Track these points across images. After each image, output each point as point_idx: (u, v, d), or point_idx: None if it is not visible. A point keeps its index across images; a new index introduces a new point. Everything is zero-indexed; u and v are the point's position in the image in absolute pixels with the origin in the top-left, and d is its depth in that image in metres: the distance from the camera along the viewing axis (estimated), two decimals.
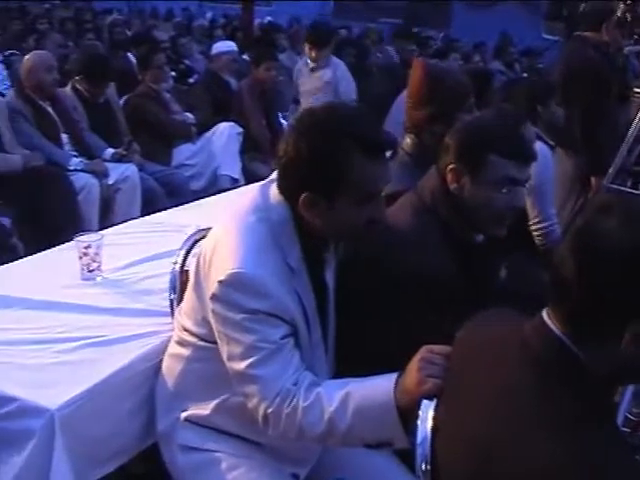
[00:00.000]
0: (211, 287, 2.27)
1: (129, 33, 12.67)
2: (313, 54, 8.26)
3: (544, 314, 1.79)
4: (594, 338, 1.69)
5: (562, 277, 1.70)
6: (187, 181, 7.32)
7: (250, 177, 7.30)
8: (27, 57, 6.76)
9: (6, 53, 9.93)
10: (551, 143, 4.45)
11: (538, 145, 3.72)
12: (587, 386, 1.71)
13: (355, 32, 15.59)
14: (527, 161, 2.70)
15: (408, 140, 3.51)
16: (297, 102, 8.67)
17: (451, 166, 2.68)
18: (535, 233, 4.23)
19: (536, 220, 4.19)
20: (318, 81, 8.25)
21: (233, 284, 2.22)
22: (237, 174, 7.57)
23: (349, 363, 2.54)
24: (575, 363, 1.71)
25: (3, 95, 7.04)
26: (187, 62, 10.66)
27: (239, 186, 6.61)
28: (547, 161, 4.09)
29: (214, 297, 2.26)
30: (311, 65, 8.35)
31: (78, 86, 7.02)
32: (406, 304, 2.53)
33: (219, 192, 5.52)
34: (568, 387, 1.71)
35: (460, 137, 2.72)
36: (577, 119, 5.40)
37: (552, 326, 1.76)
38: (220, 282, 2.23)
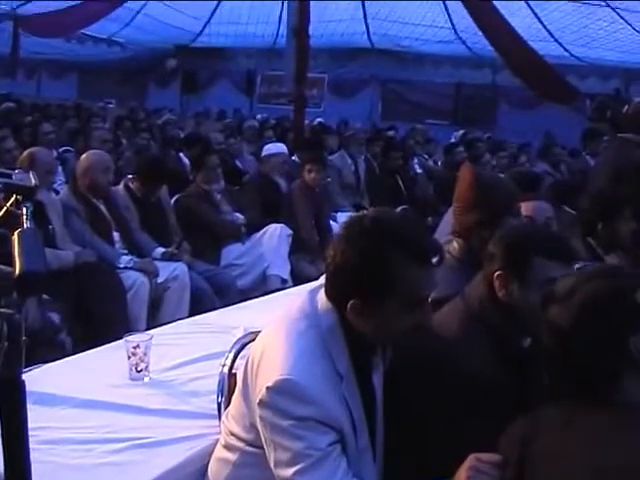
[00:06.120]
0: (259, 393, 2.28)
1: (181, 133, 12.89)
2: None
3: None
4: None
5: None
6: (234, 280, 7.34)
7: (298, 277, 7.36)
8: (84, 156, 6.81)
9: (60, 150, 10.15)
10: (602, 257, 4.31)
11: None
12: None
13: (401, 133, 15.78)
14: (571, 261, 2.71)
15: (455, 244, 3.52)
16: None
17: (498, 273, 2.68)
18: None
19: None
20: None
21: (281, 391, 2.22)
22: (286, 275, 7.60)
23: (397, 469, 2.52)
24: None
25: (57, 192, 7.18)
26: (238, 163, 10.79)
27: (288, 287, 6.64)
28: None
29: (262, 403, 2.26)
30: None
31: (131, 185, 7.11)
32: (454, 410, 2.51)
33: (268, 292, 5.54)
34: None
35: (504, 243, 2.73)
36: (625, 218, 5.35)
37: None
38: (268, 388, 2.24)
